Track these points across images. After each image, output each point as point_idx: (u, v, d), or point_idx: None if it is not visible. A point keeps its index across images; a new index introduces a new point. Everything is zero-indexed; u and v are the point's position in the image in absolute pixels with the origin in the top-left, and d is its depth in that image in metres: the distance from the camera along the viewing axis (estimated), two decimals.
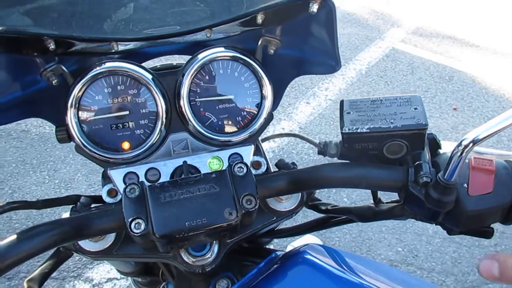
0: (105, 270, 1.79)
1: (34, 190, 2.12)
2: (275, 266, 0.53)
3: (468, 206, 0.42)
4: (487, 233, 0.47)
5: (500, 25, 3.97)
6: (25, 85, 0.55)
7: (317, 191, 0.62)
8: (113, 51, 0.57)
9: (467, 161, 0.43)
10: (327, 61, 0.60)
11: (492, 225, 0.47)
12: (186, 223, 0.44)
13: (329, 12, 0.54)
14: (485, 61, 3.54)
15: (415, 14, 4.25)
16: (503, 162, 0.45)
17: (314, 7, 0.52)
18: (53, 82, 0.55)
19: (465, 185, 0.42)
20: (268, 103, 0.57)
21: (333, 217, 0.62)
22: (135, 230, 0.44)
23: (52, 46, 0.49)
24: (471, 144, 0.38)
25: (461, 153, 0.38)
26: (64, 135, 0.54)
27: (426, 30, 3.96)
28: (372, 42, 3.69)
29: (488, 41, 3.68)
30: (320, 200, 0.61)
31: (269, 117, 0.58)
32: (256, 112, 0.57)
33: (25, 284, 0.53)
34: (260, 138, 0.61)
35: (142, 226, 0.44)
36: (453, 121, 2.78)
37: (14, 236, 0.42)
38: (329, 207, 0.59)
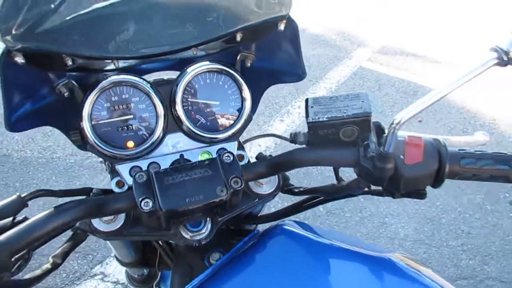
0: (92, 284, 1.84)
1: None
2: (257, 239, 0.64)
3: (405, 173, 0.55)
4: (422, 195, 0.59)
5: (459, 42, 4.24)
6: (40, 97, 0.65)
7: (292, 181, 0.74)
8: (114, 67, 0.68)
9: (403, 139, 0.56)
10: (295, 70, 0.72)
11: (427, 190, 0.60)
12: (187, 199, 0.55)
13: (293, 29, 0.66)
14: (447, 75, 3.77)
15: (380, 35, 4.49)
16: (431, 139, 0.57)
17: (281, 26, 0.64)
18: (65, 94, 0.65)
19: (402, 156, 0.54)
20: (247, 106, 0.68)
21: (306, 201, 0.74)
22: (144, 208, 0.54)
23: (69, 62, 0.60)
24: (399, 123, 0.50)
25: (393, 130, 0.51)
26: (78, 137, 0.64)
27: (390, 49, 4.20)
28: (341, 62, 3.88)
29: (448, 57, 3.92)
30: (293, 185, 0.72)
31: (249, 119, 0.70)
32: (238, 114, 0.68)
33: (50, 259, 0.62)
34: (241, 140, 0.72)
35: (150, 204, 0.54)
36: (419, 132, 2.95)
37: (49, 211, 0.51)
38: (301, 189, 0.70)
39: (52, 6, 0.56)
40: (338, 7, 5.23)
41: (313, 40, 4.28)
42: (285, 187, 0.69)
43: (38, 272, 0.59)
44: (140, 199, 0.55)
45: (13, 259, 0.48)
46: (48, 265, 0.61)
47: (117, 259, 0.86)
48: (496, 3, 5.05)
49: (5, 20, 0.53)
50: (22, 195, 0.55)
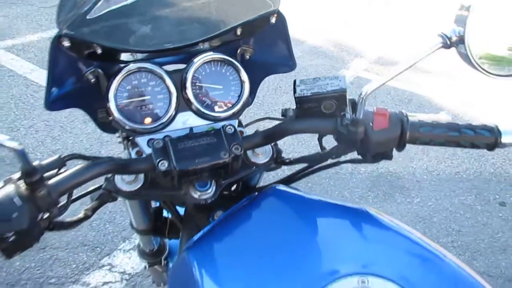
0: (100, 275, 1.95)
1: None
2: (253, 199, 0.76)
3: (373, 137, 0.66)
4: (389, 156, 0.71)
5: (453, 53, 4.38)
6: (73, 81, 0.78)
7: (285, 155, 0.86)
8: (132, 59, 0.81)
9: (372, 109, 0.68)
10: (287, 62, 0.85)
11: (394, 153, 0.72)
12: (196, 160, 0.67)
13: (283, 22, 0.79)
14: (440, 84, 3.92)
15: (376, 46, 4.65)
16: (396, 111, 0.70)
17: (273, 19, 0.77)
18: (92, 81, 0.77)
19: (371, 124, 0.66)
20: (246, 90, 0.80)
21: (297, 173, 0.86)
22: (161, 167, 0.66)
23: (99, 51, 0.72)
24: (366, 94, 0.63)
25: (362, 100, 0.63)
26: (104, 115, 0.76)
27: (386, 60, 4.35)
28: (338, 72, 4.03)
29: (443, 67, 4.06)
30: (285, 157, 0.84)
31: (247, 102, 0.81)
32: (237, 97, 0.81)
33: (82, 211, 0.74)
34: (243, 124, 0.84)
35: (166, 164, 0.66)
36: None
37: (87, 163, 0.63)
38: (291, 159, 0.82)
39: (93, 3, 0.68)
40: (336, 20, 5.40)
41: (311, 51, 4.43)
42: (278, 159, 0.81)
43: (74, 218, 0.71)
44: (157, 160, 0.66)
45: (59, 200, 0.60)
46: (81, 215, 0.73)
47: (132, 227, 0.97)
48: None
49: (62, 9, 0.67)
50: (62, 156, 0.67)
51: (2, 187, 0.56)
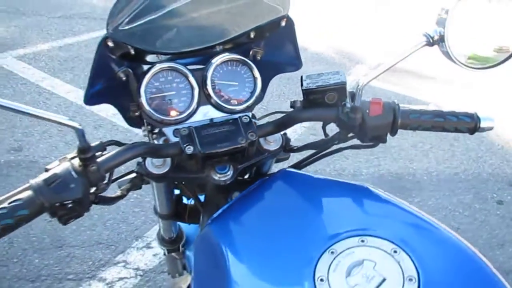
0: (116, 271, 2.05)
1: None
2: (266, 181, 0.86)
3: (369, 122, 0.77)
4: (384, 140, 0.82)
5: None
6: (107, 79, 0.88)
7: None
8: (157, 60, 0.92)
9: (369, 99, 0.78)
10: (294, 61, 0.96)
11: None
12: (218, 145, 0.77)
13: (291, 26, 0.89)
14: (440, 90, 4.03)
15: (376, 53, 4.77)
16: (389, 101, 0.80)
17: (283, 23, 0.88)
18: (123, 79, 0.88)
19: (368, 111, 0.77)
20: (258, 86, 0.90)
21: (305, 160, 0.96)
22: (188, 151, 0.76)
23: (132, 52, 0.83)
24: (362, 85, 0.74)
25: (359, 91, 0.74)
26: (136, 108, 0.87)
27: (386, 66, 4.45)
28: None
29: (443, 73, 4.16)
30: (293, 145, 0.94)
31: (260, 97, 0.92)
32: (251, 92, 0.91)
33: (119, 190, 0.85)
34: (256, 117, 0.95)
35: (192, 148, 0.77)
36: (413, 140, 3.19)
37: (126, 145, 0.74)
38: (299, 146, 0.92)
39: (133, 11, 0.80)
40: (340, 27, 5.54)
41: (313, 58, 4.56)
42: (287, 147, 0.91)
43: (113, 195, 0.82)
44: (184, 145, 0.77)
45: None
46: (118, 193, 0.83)
47: (156, 213, 1.07)
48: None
49: (111, 15, 0.78)
50: (103, 141, 0.77)
51: (59, 164, 0.67)
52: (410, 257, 0.62)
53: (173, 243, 1.24)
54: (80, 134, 0.65)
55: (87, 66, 0.97)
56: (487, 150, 3.21)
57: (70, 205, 0.64)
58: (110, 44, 0.79)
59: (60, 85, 3.70)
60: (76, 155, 0.69)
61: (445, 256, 0.66)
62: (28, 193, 0.62)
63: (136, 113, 0.88)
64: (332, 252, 0.64)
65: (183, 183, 0.98)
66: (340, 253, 0.64)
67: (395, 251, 0.63)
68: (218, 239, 0.75)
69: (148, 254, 2.12)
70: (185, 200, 1.09)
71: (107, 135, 3.07)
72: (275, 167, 1.01)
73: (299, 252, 0.66)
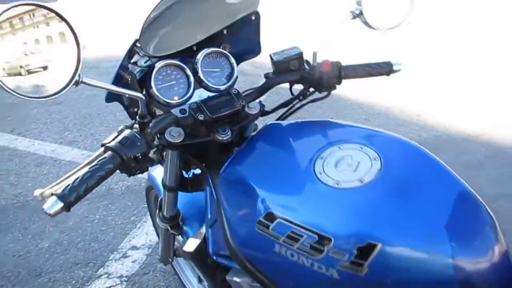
0: (101, 283, 2.16)
1: (12, 247, 2.41)
2: (256, 134, 1.15)
3: (324, 76, 1.10)
4: (334, 87, 1.15)
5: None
6: (118, 79, 1.11)
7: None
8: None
9: (320, 61, 1.12)
10: (255, 49, 1.27)
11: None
12: (221, 110, 1.04)
13: (258, 19, 1.19)
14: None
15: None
16: (334, 60, 1.15)
17: (253, 17, 1.18)
18: (129, 80, 1.12)
19: (321, 69, 1.10)
20: (235, 70, 1.19)
21: (280, 117, 1.26)
22: (200, 118, 1.02)
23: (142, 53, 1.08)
24: (316, 52, 1.07)
25: (314, 56, 1.08)
26: (146, 94, 1.10)
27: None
28: None
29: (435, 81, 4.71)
30: (268, 109, 1.24)
31: (235, 79, 1.21)
32: (230, 75, 1.19)
33: (153, 154, 1.07)
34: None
35: (203, 116, 1.03)
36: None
37: (159, 118, 0.98)
38: (272, 108, 1.23)
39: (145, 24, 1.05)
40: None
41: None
42: (263, 111, 1.21)
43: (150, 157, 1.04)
44: (196, 114, 1.04)
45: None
46: (153, 157, 1.07)
47: (164, 187, 1.30)
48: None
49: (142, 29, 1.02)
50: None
51: (124, 129, 0.90)
52: (372, 148, 0.95)
53: (173, 220, 1.46)
54: (143, 103, 0.89)
55: None
56: (398, 125, 3.76)
57: (139, 158, 0.88)
58: (138, 44, 1.04)
59: None
60: (128, 125, 0.92)
61: (397, 145, 0.99)
62: (110, 153, 0.85)
63: (135, 109, 1.12)
64: (322, 158, 0.95)
65: (190, 156, 1.22)
66: (327, 156, 0.95)
67: (361, 148, 0.95)
68: (239, 172, 1.02)
69: (127, 262, 2.27)
70: (185, 174, 1.34)
71: (52, 170, 3.12)
72: None
73: (300, 165, 0.97)
